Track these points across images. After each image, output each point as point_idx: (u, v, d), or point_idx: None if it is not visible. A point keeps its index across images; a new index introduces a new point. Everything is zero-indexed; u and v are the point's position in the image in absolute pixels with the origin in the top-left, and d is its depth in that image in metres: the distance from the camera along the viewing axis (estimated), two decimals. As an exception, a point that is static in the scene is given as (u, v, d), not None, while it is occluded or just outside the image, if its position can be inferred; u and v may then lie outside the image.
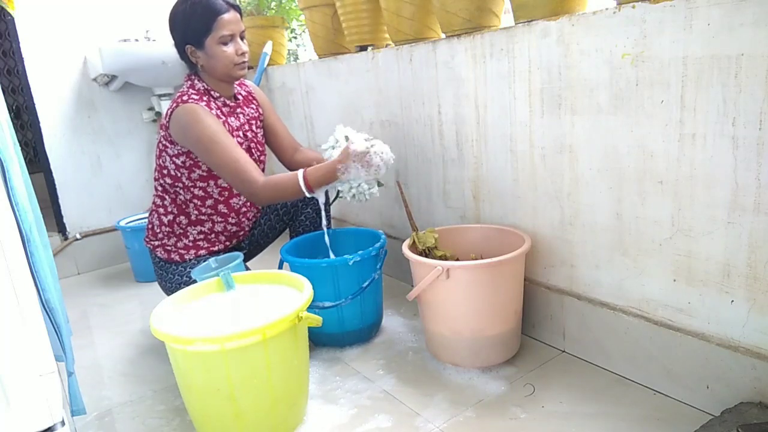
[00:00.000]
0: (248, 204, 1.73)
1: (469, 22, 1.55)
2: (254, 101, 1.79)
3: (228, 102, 1.67)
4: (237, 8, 1.58)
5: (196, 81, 1.63)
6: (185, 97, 1.57)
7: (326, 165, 1.50)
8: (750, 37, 1.00)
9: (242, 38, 1.60)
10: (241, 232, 1.77)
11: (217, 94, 1.64)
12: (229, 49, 1.56)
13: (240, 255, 1.57)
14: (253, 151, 1.72)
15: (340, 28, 2.08)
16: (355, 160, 1.47)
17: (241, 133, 1.67)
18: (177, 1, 1.58)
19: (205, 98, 1.60)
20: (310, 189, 1.50)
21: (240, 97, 1.74)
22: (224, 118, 1.62)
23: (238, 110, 1.70)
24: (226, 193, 1.67)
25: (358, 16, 1.94)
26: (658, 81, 1.16)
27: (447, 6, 1.56)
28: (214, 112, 1.58)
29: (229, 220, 1.71)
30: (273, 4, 2.70)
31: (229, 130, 1.62)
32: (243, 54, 1.58)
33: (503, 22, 1.60)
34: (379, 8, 1.84)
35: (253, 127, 1.74)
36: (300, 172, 1.50)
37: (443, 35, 1.69)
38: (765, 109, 1.02)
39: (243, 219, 1.74)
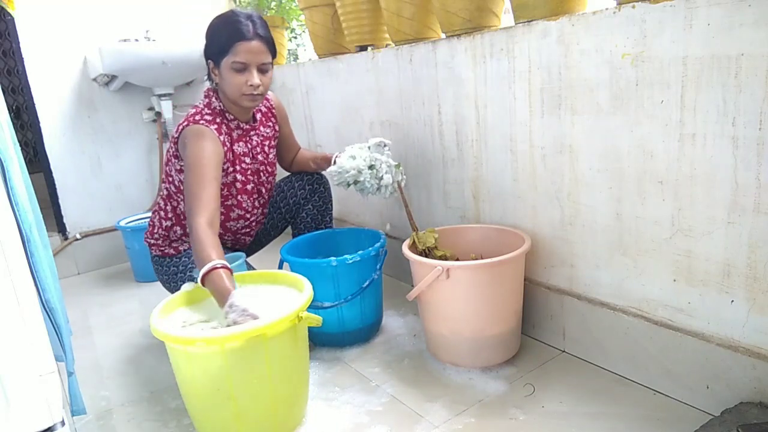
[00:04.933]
0: (251, 224, 1.73)
1: (469, 22, 1.55)
2: (273, 118, 1.76)
3: (242, 125, 1.63)
4: (266, 40, 1.51)
5: (213, 99, 1.59)
6: (198, 117, 1.53)
7: (222, 288, 1.24)
8: (750, 37, 1.00)
9: (262, 71, 1.53)
10: (238, 245, 1.78)
11: (232, 117, 1.60)
12: (240, 77, 1.50)
13: (242, 255, 1.56)
14: (261, 173, 1.70)
15: (340, 28, 2.08)
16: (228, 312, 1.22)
17: (248, 159, 1.65)
18: (221, 13, 1.55)
19: (218, 120, 1.56)
20: (202, 283, 1.28)
21: (258, 115, 1.71)
22: (229, 144, 1.59)
23: (252, 133, 1.67)
24: (223, 216, 1.66)
25: (358, 16, 1.94)
26: (658, 81, 1.16)
27: (447, 6, 1.56)
28: (222, 138, 1.55)
29: (225, 237, 1.71)
30: (273, 4, 2.71)
31: (230, 158, 1.59)
32: (252, 86, 1.50)
33: (503, 22, 1.60)
34: (379, 8, 1.85)
35: (266, 149, 1.72)
36: (207, 267, 1.27)
37: (443, 35, 1.69)
38: (765, 109, 1.02)
39: (241, 237, 1.75)
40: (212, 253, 1.30)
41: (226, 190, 1.62)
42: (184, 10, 2.69)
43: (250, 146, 1.66)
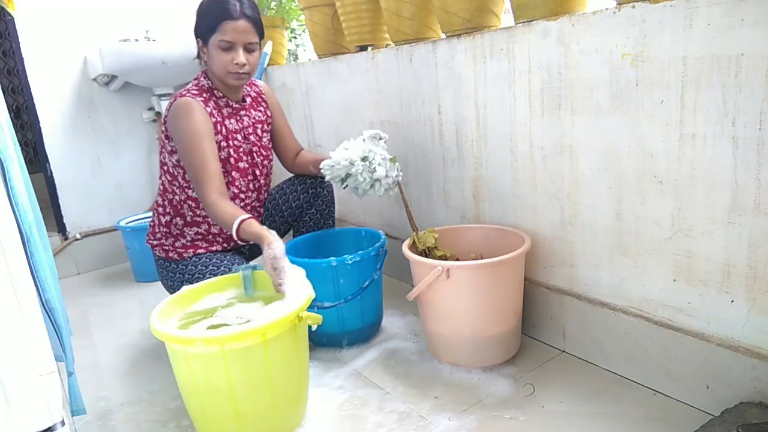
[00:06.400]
0: (245, 208, 1.71)
1: (469, 22, 1.55)
2: (263, 103, 1.77)
3: (231, 103, 1.66)
4: (252, 20, 1.54)
5: (202, 78, 1.63)
6: (184, 92, 1.58)
7: (260, 231, 1.38)
8: (750, 37, 1.00)
9: (248, 50, 1.56)
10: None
11: (221, 94, 1.63)
12: (226, 56, 1.53)
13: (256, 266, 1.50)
14: (255, 155, 1.71)
15: (340, 28, 2.08)
16: (271, 261, 1.33)
17: (240, 137, 1.66)
18: None
19: (205, 95, 1.59)
20: (239, 237, 1.42)
21: (248, 99, 1.72)
22: (220, 119, 1.61)
23: (242, 112, 1.69)
24: None
25: (358, 16, 1.94)
26: (658, 81, 1.16)
27: (447, 6, 1.56)
28: (209, 110, 1.58)
29: None
30: (273, 4, 2.71)
31: (224, 132, 1.61)
32: (238, 65, 1.54)
33: (503, 22, 1.60)
34: (379, 8, 1.85)
35: (258, 131, 1.73)
36: (238, 221, 1.40)
37: (443, 35, 1.69)
38: (765, 109, 1.02)
39: None
40: (235, 213, 1.44)
41: (221, 166, 1.62)
42: (184, 10, 2.69)
43: (241, 125, 1.67)
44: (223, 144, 1.62)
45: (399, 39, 1.80)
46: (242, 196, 1.69)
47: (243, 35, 1.53)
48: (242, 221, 1.41)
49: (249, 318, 1.31)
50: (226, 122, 1.63)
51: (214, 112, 1.60)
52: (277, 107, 1.82)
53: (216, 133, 1.59)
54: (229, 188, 1.65)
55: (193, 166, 1.51)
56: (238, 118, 1.67)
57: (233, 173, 1.64)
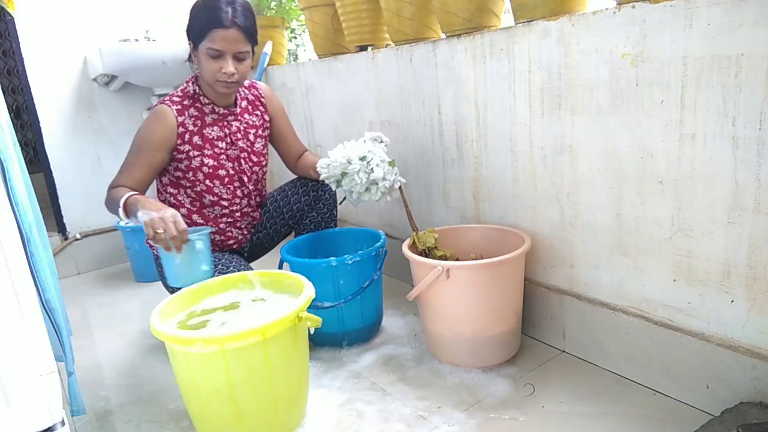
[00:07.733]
0: (232, 214, 1.70)
1: (469, 22, 1.55)
2: (261, 107, 1.75)
3: (218, 109, 1.63)
4: (243, 28, 1.50)
5: (190, 84, 1.62)
6: (167, 98, 1.59)
7: (142, 202, 1.41)
8: (750, 37, 1.00)
9: (238, 59, 1.53)
10: (230, 241, 1.73)
11: (207, 101, 1.61)
12: (215, 64, 1.51)
13: (208, 228, 1.49)
14: (242, 161, 1.68)
15: (340, 28, 2.08)
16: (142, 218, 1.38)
17: (223, 144, 1.64)
18: None
19: (186, 102, 1.58)
20: (126, 215, 1.45)
21: (244, 102, 1.71)
22: (196, 128, 1.59)
23: (230, 118, 1.66)
24: (198, 203, 1.64)
25: (358, 16, 1.94)
26: (658, 81, 1.16)
27: (447, 6, 1.56)
28: (183, 119, 1.57)
29: (213, 235, 1.67)
30: (273, 4, 2.70)
31: (197, 142, 1.59)
32: (226, 74, 1.51)
33: (503, 22, 1.60)
34: (379, 8, 1.85)
35: (250, 137, 1.71)
36: (124, 197, 1.44)
37: (443, 35, 1.69)
38: (765, 109, 1.02)
39: (228, 229, 1.71)
40: (118, 192, 1.47)
41: (192, 174, 1.61)
42: (184, 10, 2.68)
43: (227, 131, 1.65)
44: (194, 153, 1.60)
45: (399, 39, 1.80)
46: (225, 203, 1.67)
47: (233, 44, 1.50)
48: (126, 200, 1.44)
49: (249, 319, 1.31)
50: (206, 130, 1.61)
51: (188, 121, 1.58)
52: (278, 110, 1.80)
53: (182, 143, 1.58)
54: (205, 196, 1.64)
55: (127, 162, 1.56)
56: (225, 124, 1.65)
57: (207, 181, 1.62)
